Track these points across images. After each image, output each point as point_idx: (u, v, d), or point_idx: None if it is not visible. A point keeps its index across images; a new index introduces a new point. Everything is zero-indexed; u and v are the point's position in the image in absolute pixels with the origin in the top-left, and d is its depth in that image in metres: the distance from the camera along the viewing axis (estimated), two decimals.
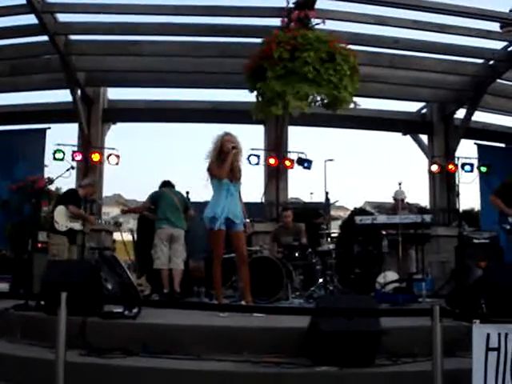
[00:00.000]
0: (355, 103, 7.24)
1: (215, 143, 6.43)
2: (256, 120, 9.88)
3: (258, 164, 10.49)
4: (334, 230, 13.00)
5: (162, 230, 8.22)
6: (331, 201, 16.14)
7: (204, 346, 4.70)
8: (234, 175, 6.45)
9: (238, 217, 6.46)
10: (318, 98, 7.00)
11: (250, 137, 11.20)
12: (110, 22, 8.98)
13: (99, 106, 10.97)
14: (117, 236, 10.89)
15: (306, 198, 31.23)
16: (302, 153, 10.79)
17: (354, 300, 5.17)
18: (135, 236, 9.30)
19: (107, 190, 22.49)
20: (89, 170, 10.39)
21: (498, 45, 9.65)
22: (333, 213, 18.27)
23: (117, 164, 10.49)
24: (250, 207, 10.39)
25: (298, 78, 6.77)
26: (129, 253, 9.49)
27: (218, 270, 6.45)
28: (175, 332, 4.91)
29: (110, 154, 10.47)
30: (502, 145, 12.76)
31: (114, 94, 13.45)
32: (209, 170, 6.42)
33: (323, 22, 7.48)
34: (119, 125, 11.83)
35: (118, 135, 20.62)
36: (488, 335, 3.40)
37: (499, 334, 3.41)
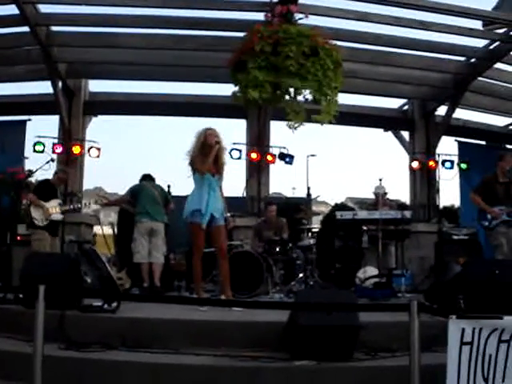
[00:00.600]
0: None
1: (198, 138, 6.42)
2: (238, 114, 9.99)
3: (239, 158, 10.48)
4: (316, 225, 13.04)
5: (142, 223, 8.21)
6: (312, 196, 16.23)
7: (183, 340, 4.71)
8: (217, 170, 6.47)
9: (219, 211, 6.48)
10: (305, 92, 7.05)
11: (232, 131, 11.20)
12: (92, 14, 8.90)
13: (80, 98, 10.87)
14: (98, 229, 10.83)
15: (289, 193, 31.23)
16: (284, 148, 10.80)
17: (333, 294, 5.20)
18: (115, 229, 9.26)
19: (88, 183, 22.34)
20: (69, 163, 10.31)
21: (480, 43, 9.74)
22: (315, 208, 18.31)
23: (98, 157, 10.41)
24: (231, 202, 10.39)
25: (281, 72, 6.79)
26: (109, 246, 9.46)
27: (198, 264, 6.46)
28: (154, 326, 4.92)
29: (91, 147, 10.39)
30: (483, 142, 12.89)
31: (96, 86, 13.34)
32: (191, 164, 6.42)
33: (306, 17, 7.51)
34: (100, 117, 11.75)
35: (100, 128, 20.43)
36: (463, 330, 3.44)
37: (473, 329, 3.46)
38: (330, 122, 7.17)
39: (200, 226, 6.33)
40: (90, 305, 5.27)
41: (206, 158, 6.30)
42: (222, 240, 6.60)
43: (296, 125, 7.04)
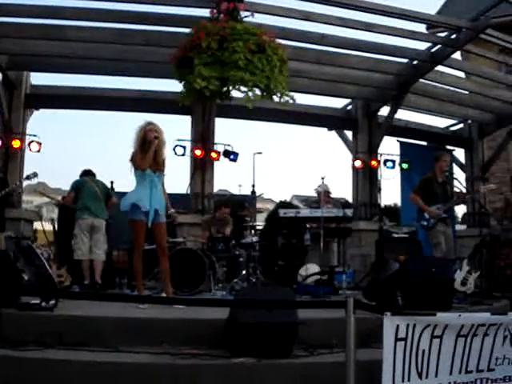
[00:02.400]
0: (292, 98, 7.35)
1: (138, 133, 6.31)
2: (183, 110, 9.92)
3: (183, 155, 10.41)
4: (260, 222, 13.11)
5: (83, 220, 8.09)
6: (257, 193, 16.31)
7: (122, 338, 4.67)
8: (158, 166, 6.38)
9: (161, 208, 6.41)
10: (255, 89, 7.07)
11: (177, 127, 11.12)
12: (35, 5, 8.65)
13: (21, 90, 10.59)
14: (38, 225, 10.61)
15: (235, 191, 31.31)
16: (229, 145, 10.80)
17: (273, 292, 5.24)
18: (56, 225, 9.09)
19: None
20: (9, 157, 10.06)
21: (422, 45, 9.93)
22: (261, 206, 18.43)
23: (38, 151, 10.16)
24: (175, 198, 10.35)
25: (228, 66, 6.80)
26: (50, 243, 9.28)
27: (139, 260, 6.40)
28: (93, 324, 4.86)
29: (32, 141, 10.13)
30: (424, 143, 13.19)
31: (38, 79, 13.00)
32: (132, 160, 6.33)
33: (252, 15, 7.54)
34: (42, 111, 11.49)
35: (41, 122, 20.00)
36: (397, 326, 3.52)
37: (408, 325, 3.55)
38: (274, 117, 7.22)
39: (141, 223, 6.26)
40: (28, 302, 5.15)
41: (146, 154, 6.21)
42: (162, 237, 6.52)
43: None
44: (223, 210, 9.33)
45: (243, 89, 6.99)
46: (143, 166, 6.23)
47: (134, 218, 6.29)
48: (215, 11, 7.62)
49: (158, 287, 7.88)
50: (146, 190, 6.27)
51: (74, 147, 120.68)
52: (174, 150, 10.14)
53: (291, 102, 7.39)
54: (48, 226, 9.41)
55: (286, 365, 4.25)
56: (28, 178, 8.40)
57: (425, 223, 8.12)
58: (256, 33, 7.07)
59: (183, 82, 7.35)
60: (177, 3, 8.50)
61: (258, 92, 7.13)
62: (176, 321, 4.98)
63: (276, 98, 7.20)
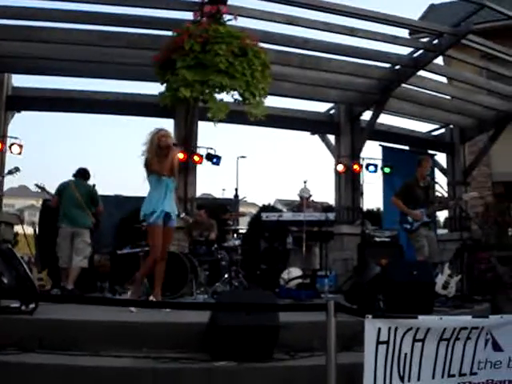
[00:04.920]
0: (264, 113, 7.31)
1: (151, 139, 6.41)
2: (165, 113, 9.88)
3: None
4: (243, 226, 13.08)
5: (62, 228, 8.03)
6: (240, 197, 16.30)
7: (103, 342, 4.64)
8: (173, 172, 6.51)
9: (174, 212, 6.57)
10: (233, 93, 7.05)
11: None
12: (17, 6, 8.58)
13: (3, 92, 10.48)
14: (20, 229, 10.49)
15: (218, 194, 31.27)
16: (211, 148, 10.78)
17: (254, 295, 5.24)
18: (37, 229, 9.00)
19: (12, 182, 21.63)
20: None
21: (405, 50, 9.99)
22: (244, 209, 18.42)
23: (19, 154, 10.06)
24: None
25: (210, 70, 6.79)
26: (30, 246, 9.18)
27: (153, 265, 6.48)
28: (73, 328, 4.82)
29: (13, 144, 10.04)
30: (406, 147, 13.26)
31: (20, 81, 12.92)
32: (147, 165, 6.42)
33: (235, 19, 7.53)
34: (24, 113, 11.38)
35: (23, 124, 19.78)
36: (379, 329, 3.52)
37: (389, 328, 3.55)
38: (258, 121, 7.20)
39: (158, 228, 6.37)
40: (7, 306, 5.10)
41: (162, 159, 6.34)
42: (169, 241, 6.67)
43: (216, 119, 7.05)
44: (198, 212, 9.36)
45: (219, 96, 7.00)
46: (163, 171, 6.35)
47: (152, 223, 6.38)
48: (198, 14, 7.61)
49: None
50: (162, 195, 6.38)
51: (56, 149, 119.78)
52: None
53: (261, 113, 7.33)
54: (28, 230, 9.32)
55: (267, 368, 4.24)
56: (10, 172, 8.32)
57: (408, 226, 8.16)
58: (239, 36, 7.07)
59: (165, 84, 7.32)
60: (160, 6, 8.45)
61: (234, 97, 7.11)
62: (157, 324, 4.96)
63: (252, 101, 7.16)
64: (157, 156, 6.35)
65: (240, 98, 7.15)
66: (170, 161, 6.38)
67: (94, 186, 9.03)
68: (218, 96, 7.09)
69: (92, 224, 8.23)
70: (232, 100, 7.19)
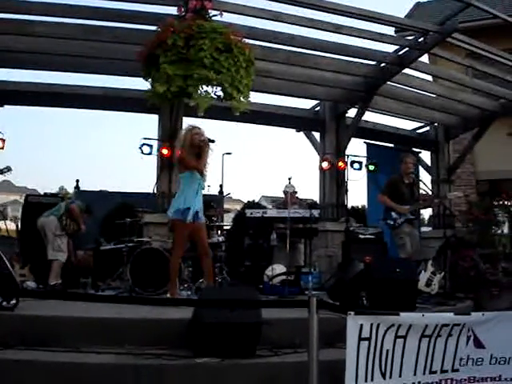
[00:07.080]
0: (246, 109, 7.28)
1: (185, 137, 6.64)
2: (150, 109, 9.81)
3: (150, 154, 10.29)
4: (228, 222, 13.05)
5: None
6: (225, 193, 16.25)
7: (85, 338, 4.62)
8: (205, 169, 6.69)
9: (202, 209, 6.72)
10: (216, 89, 7.00)
11: (144, 126, 11.02)
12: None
13: None
14: (2, 224, 10.40)
15: (204, 191, 31.18)
16: None
17: (237, 292, 5.23)
18: (19, 224, 8.94)
19: None
20: None
21: (390, 48, 10.01)
22: (229, 206, 18.33)
23: (1, 148, 9.95)
24: (141, 198, 10.28)
25: (193, 65, 6.73)
26: (13, 241, 9.12)
27: (177, 261, 6.72)
28: (55, 324, 4.80)
29: None
30: (391, 145, 13.29)
31: (3, 74, 12.78)
32: (180, 162, 6.63)
33: (220, 14, 7.48)
34: (7, 107, 11.26)
35: (6, 119, 19.63)
36: (361, 326, 3.52)
37: (371, 325, 3.55)
38: (242, 113, 7.14)
39: (188, 226, 6.48)
40: None
41: (200, 157, 6.54)
42: (205, 236, 6.81)
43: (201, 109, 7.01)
44: None
45: (204, 88, 6.94)
46: (200, 168, 6.55)
47: (180, 219, 6.49)
48: (182, 9, 7.55)
49: (122, 287, 7.83)
50: (194, 192, 6.57)
51: (40, 145, 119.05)
52: (140, 148, 10.01)
53: (243, 107, 7.29)
54: (10, 225, 9.27)
55: (250, 365, 4.25)
56: (1, 172, 8.28)
57: (391, 222, 8.20)
58: (223, 32, 7.01)
59: (149, 80, 7.26)
60: (145, 1, 8.40)
61: (217, 94, 7.06)
62: (139, 321, 4.94)
63: (236, 96, 7.12)
64: (190, 154, 6.54)
65: (223, 94, 7.10)
66: (204, 158, 6.57)
67: (77, 181, 9.02)
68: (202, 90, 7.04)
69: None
70: (215, 97, 7.14)
